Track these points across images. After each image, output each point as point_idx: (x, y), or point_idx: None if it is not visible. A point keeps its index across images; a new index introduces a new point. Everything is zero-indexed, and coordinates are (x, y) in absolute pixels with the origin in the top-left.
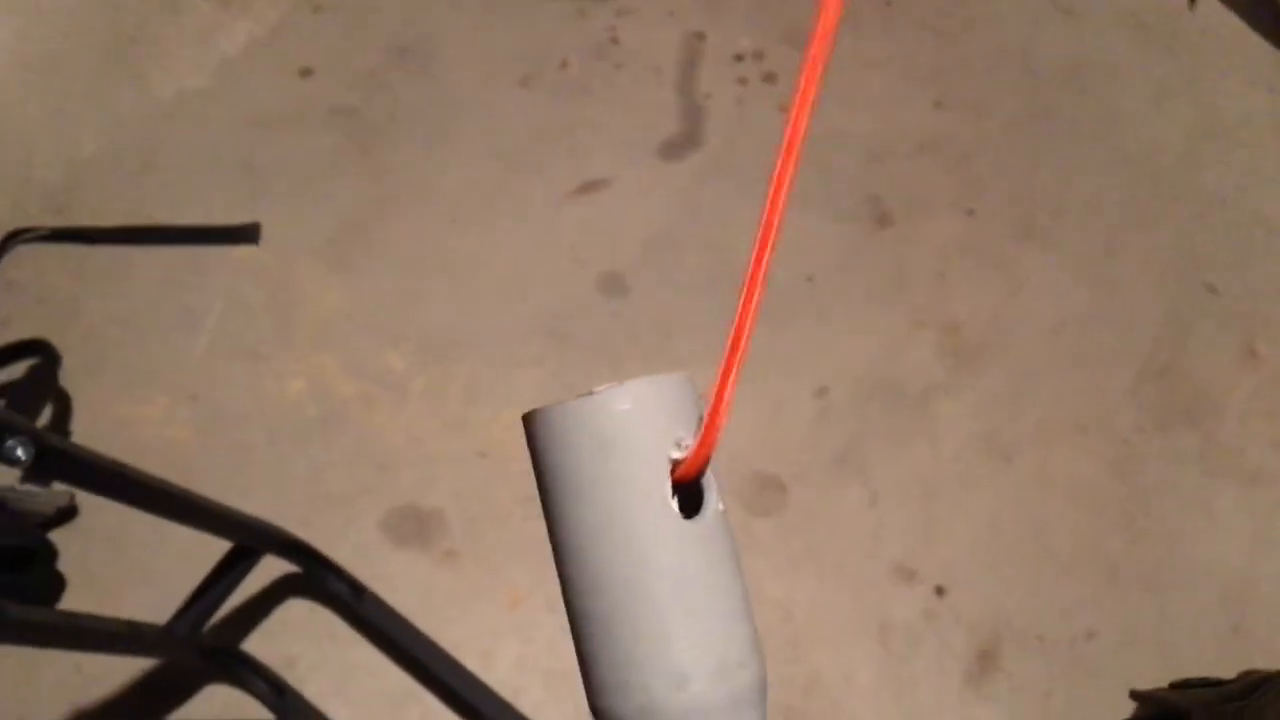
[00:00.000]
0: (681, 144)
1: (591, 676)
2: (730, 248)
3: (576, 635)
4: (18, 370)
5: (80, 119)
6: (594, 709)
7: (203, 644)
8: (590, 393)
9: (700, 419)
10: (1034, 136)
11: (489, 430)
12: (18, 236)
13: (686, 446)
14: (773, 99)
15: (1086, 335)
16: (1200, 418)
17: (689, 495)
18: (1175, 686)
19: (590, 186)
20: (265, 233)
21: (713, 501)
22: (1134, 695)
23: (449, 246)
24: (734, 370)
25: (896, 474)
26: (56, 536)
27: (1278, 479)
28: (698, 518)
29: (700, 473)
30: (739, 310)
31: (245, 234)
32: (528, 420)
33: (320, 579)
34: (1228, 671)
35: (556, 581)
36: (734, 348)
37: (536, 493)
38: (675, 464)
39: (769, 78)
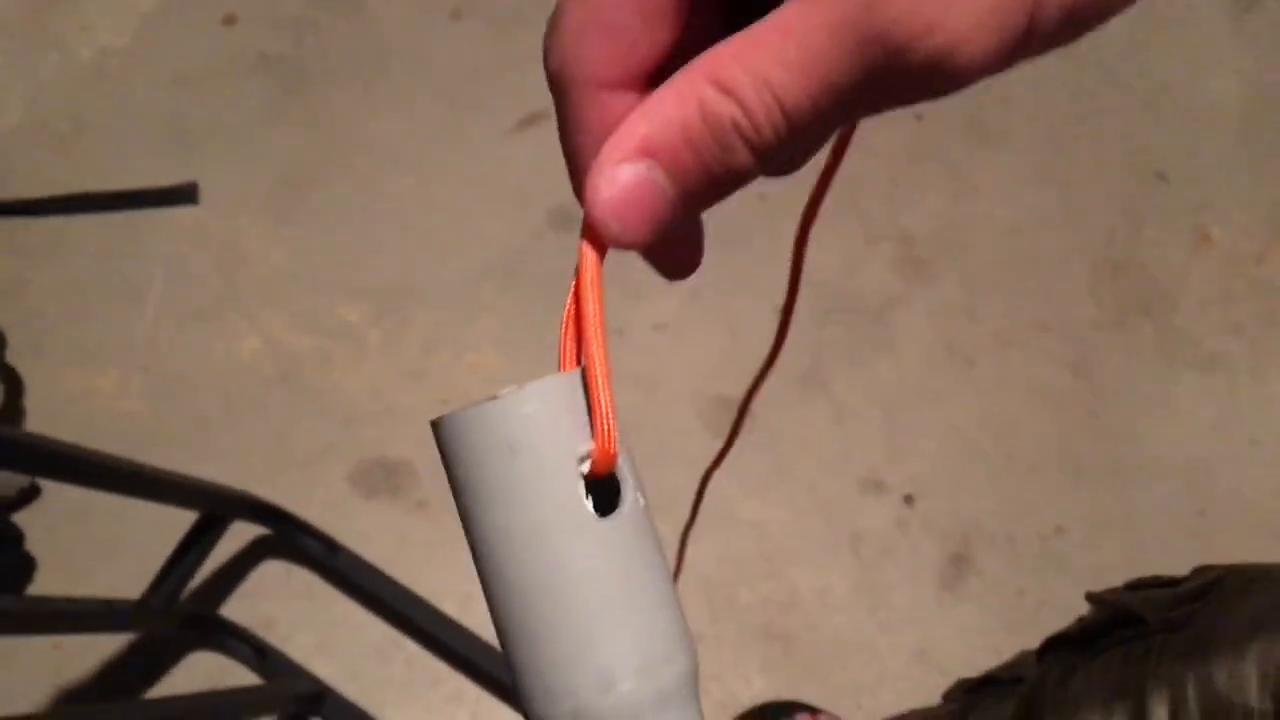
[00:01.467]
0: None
1: (521, 686)
2: None
3: (503, 645)
4: None
5: (2, 87)
6: (528, 716)
7: (180, 614)
8: (493, 397)
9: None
10: None
11: (450, 376)
12: None
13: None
14: None
15: (1041, 235)
16: (1156, 308)
17: (606, 491)
18: (1130, 587)
19: (533, 119)
20: (203, 192)
21: (630, 496)
22: (1089, 597)
23: (393, 192)
24: (604, 363)
25: (860, 388)
26: (21, 519)
27: (1234, 363)
28: (615, 514)
29: (609, 468)
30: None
31: (183, 194)
32: (434, 427)
33: (292, 539)
34: (1195, 558)
35: None
36: (586, 341)
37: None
38: (587, 462)
39: None
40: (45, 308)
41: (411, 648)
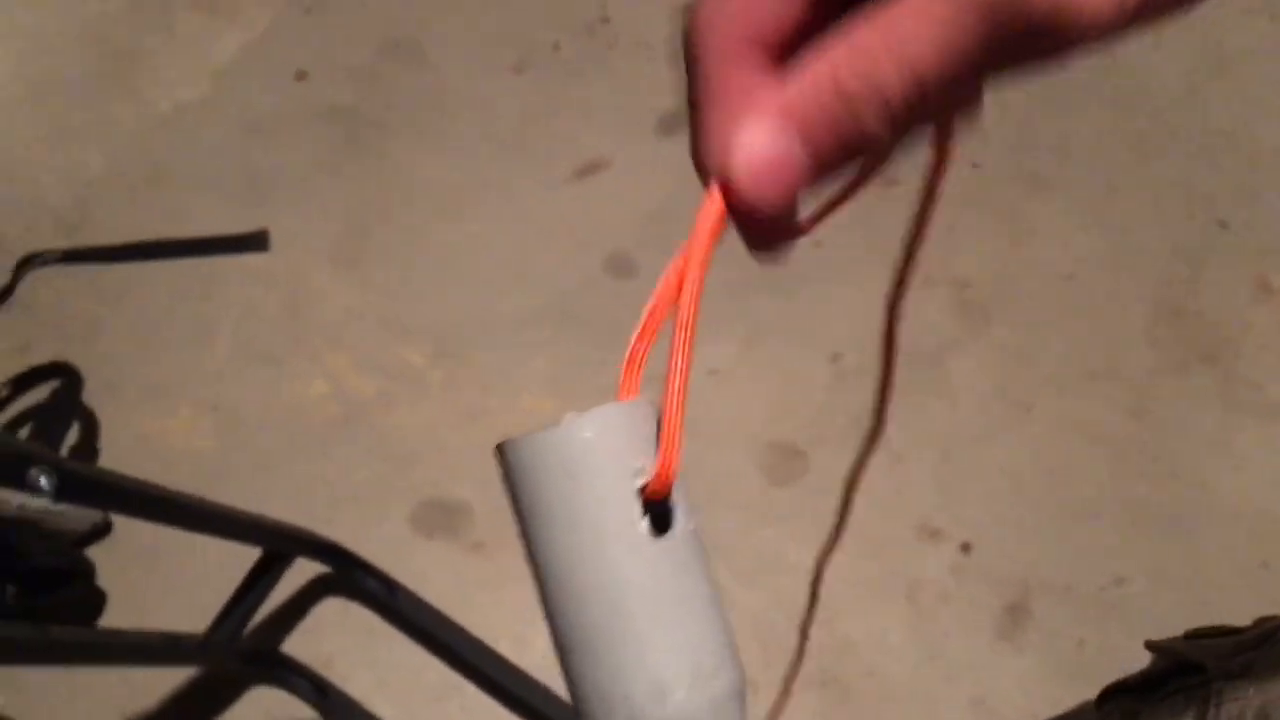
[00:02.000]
0: (679, 119)
1: (579, 698)
2: None
3: (561, 660)
4: (42, 393)
5: (83, 139)
6: None
7: (242, 649)
8: (556, 424)
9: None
10: (1039, 89)
11: (507, 417)
12: (32, 261)
13: (652, 468)
14: None
15: (1097, 281)
16: (1217, 355)
17: (660, 514)
18: (1190, 636)
19: (590, 168)
20: (273, 238)
21: (681, 520)
22: (1149, 646)
23: (455, 236)
24: (681, 391)
25: (915, 433)
26: (93, 553)
27: None
28: (668, 535)
29: (665, 493)
30: (674, 339)
31: (254, 242)
32: (499, 452)
33: (352, 577)
34: (1258, 610)
35: None
36: (675, 371)
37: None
38: (643, 486)
39: None
40: (120, 350)
41: (468, 689)
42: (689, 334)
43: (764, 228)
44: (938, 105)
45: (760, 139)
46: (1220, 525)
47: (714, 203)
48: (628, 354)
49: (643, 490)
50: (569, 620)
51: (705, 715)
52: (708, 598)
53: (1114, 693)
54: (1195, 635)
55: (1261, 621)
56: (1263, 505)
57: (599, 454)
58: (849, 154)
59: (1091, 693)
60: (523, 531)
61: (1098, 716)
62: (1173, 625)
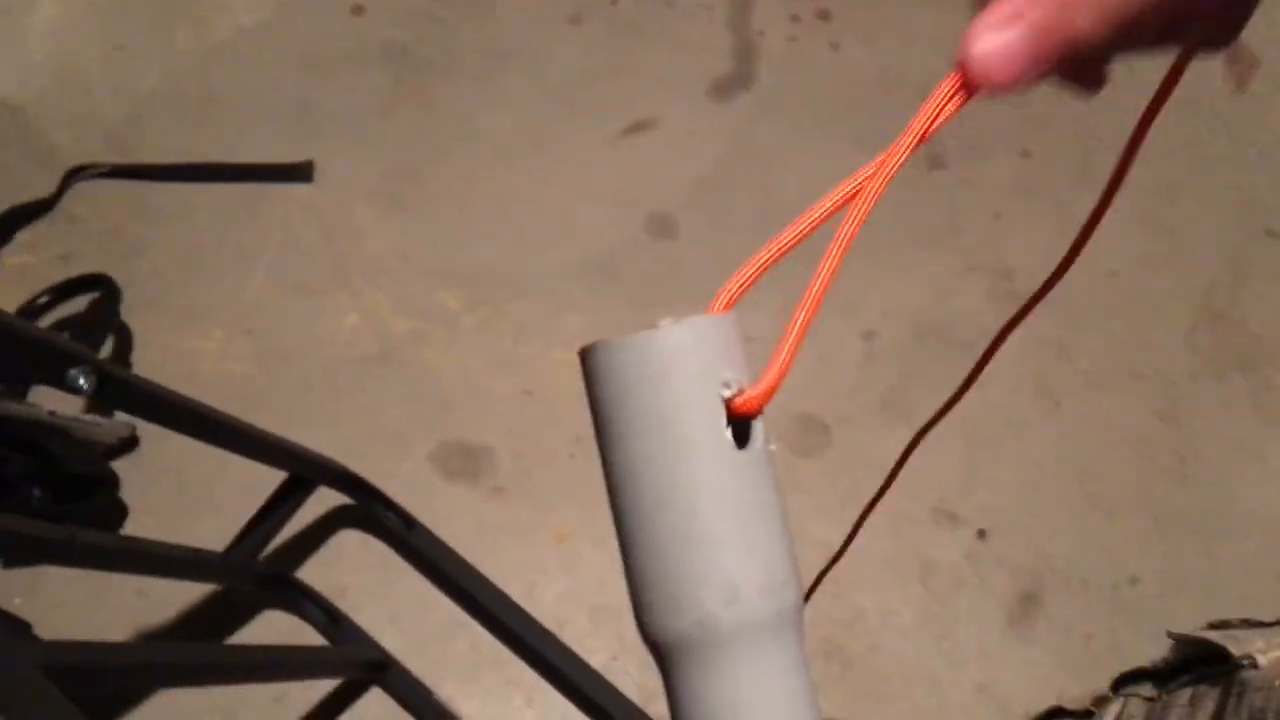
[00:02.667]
0: (732, 83)
1: (644, 600)
2: (780, 188)
3: (630, 561)
4: (80, 304)
5: (140, 57)
6: (646, 632)
7: (259, 571)
8: (653, 326)
9: (745, 360)
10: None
11: (538, 368)
12: (80, 173)
13: (736, 383)
14: (826, 36)
15: (1142, 280)
16: (1255, 364)
17: (739, 430)
18: (1214, 626)
19: (640, 126)
20: (319, 171)
21: (760, 437)
22: (1171, 635)
23: (500, 185)
24: (809, 318)
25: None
26: (119, 466)
27: None
28: (749, 448)
29: (758, 410)
30: (819, 271)
31: (299, 172)
32: (587, 353)
33: (372, 511)
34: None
35: (602, 520)
36: (811, 300)
37: (584, 432)
38: (727, 399)
39: (823, 14)
40: (160, 268)
41: (476, 629)
42: (854, 229)
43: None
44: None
45: (991, 33)
46: (1240, 532)
47: (952, 81)
48: (749, 267)
49: (729, 402)
50: (646, 520)
51: (771, 623)
52: (780, 514)
53: (1130, 679)
54: (1218, 626)
55: None
56: None
57: (692, 360)
58: (1067, 50)
59: (1096, 687)
60: (604, 432)
61: (1116, 703)
62: (1183, 627)
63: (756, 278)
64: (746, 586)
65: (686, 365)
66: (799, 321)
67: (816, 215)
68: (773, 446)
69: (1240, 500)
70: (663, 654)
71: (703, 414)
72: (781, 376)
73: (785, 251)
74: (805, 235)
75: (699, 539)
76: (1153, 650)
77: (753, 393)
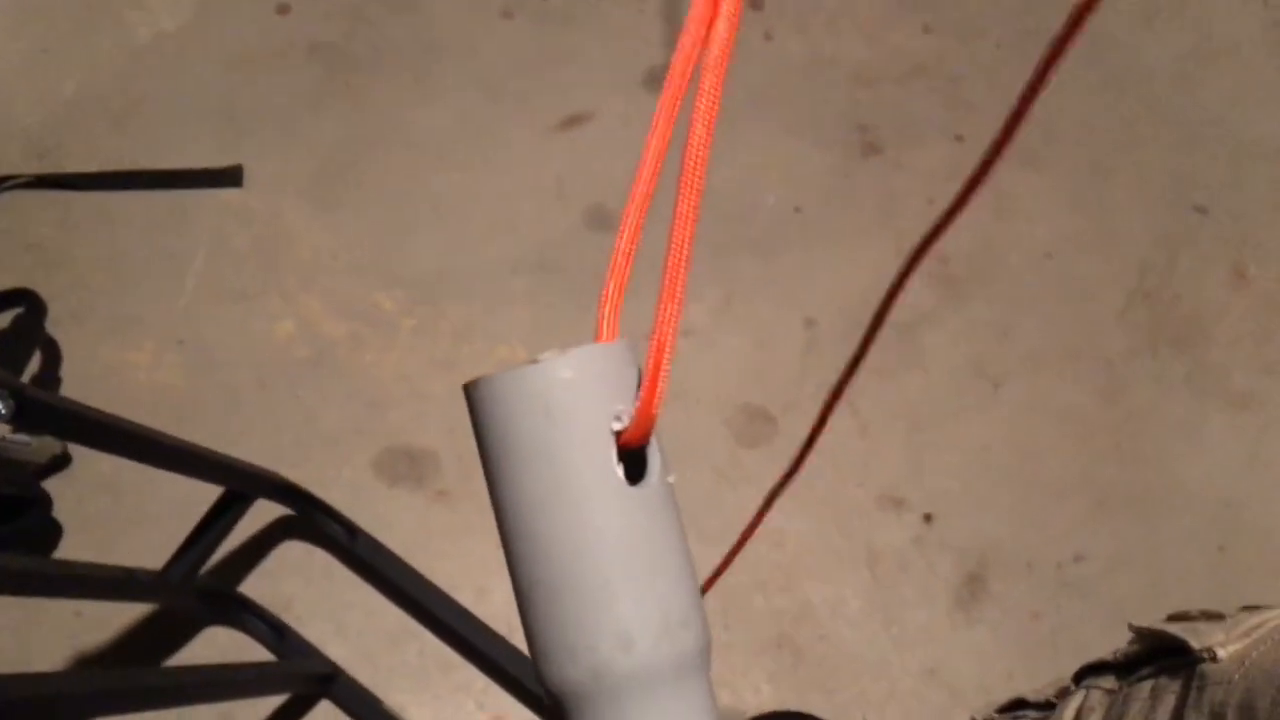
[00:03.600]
0: (667, 74)
1: (539, 646)
2: (716, 177)
3: (523, 607)
4: (3, 320)
5: (60, 63)
6: (544, 681)
7: (200, 587)
8: (534, 360)
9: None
10: (1024, 59)
11: (479, 368)
12: (1, 184)
13: (628, 415)
14: (759, 26)
15: (1076, 261)
16: (1189, 341)
17: (634, 463)
18: (1174, 618)
19: (575, 119)
20: (249, 174)
21: (656, 469)
22: (1132, 628)
23: (435, 183)
24: (667, 345)
25: (885, 404)
26: (51, 485)
27: (1266, 402)
28: (641, 484)
29: (643, 440)
30: (666, 267)
31: (228, 177)
32: (470, 389)
33: (314, 521)
34: (1215, 593)
35: None
36: (665, 320)
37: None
38: (619, 432)
39: (755, 4)
40: (88, 279)
41: (425, 635)
42: (687, 234)
43: None
44: None
45: None
46: (1181, 509)
47: None
48: (606, 286)
49: (619, 436)
50: (535, 565)
51: (669, 668)
52: (679, 551)
53: (1091, 671)
54: (1178, 617)
55: (1249, 610)
56: (1223, 491)
57: (578, 395)
58: None
59: (1044, 668)
60: (490, 472)
61: (1076, 695)
62: (1129, 605)
63: (620, 294)
64: (641, 634)
65: (571, 400)
66: (659, 334)
67: (638, 195)
68: (672, 478)
69: (1178, 478)
70: (561, 702)
71: (590, 451)
72: (652, 396)
73: (628, 254)
74: (638, 224)
75: (590, 585)
76: (1099, 627)
77: (630, 421)
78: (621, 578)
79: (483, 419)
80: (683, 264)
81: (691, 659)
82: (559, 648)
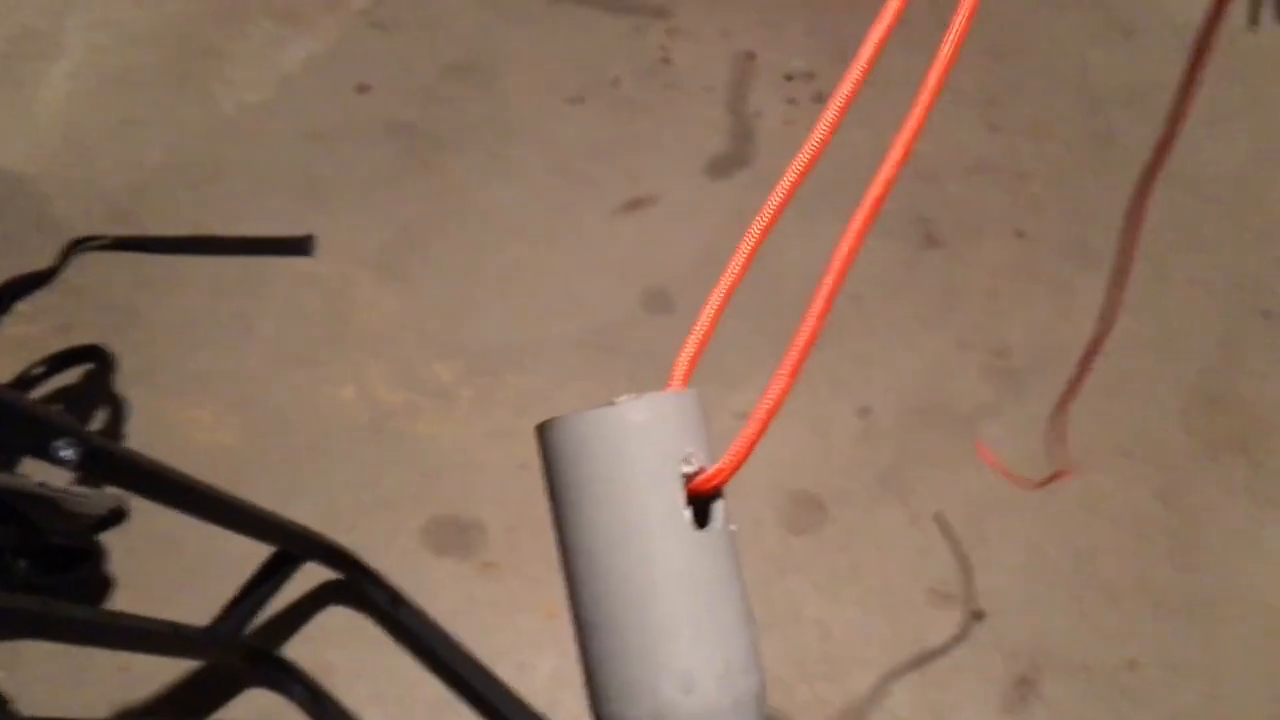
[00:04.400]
0: (730, 162)
1: (598, 683)
2: (776, 267)
3: (584, 643)
4: (75, 375)
5: (147, 130)
6: (600, 718)
7: (243, 647)
8: (609, 403)
9: (708, 437)
10: (1089, 158)
11: (532, 442)
12: (82, 244)
13: (697, 461)
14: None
15: (1137, 360)
16: (1251, 446)
17: (698, 509)
18: None
19: (640, 203)
20: (322, 243)
21: (720, 516)
22: None
23: (501, 258)
24: (778, 404)
25: (940, 497)
26: (107, 539)
27: None
28: (708, 529)
29: (716, 490)
30: (791, 354)
31: (300, 246)
32: (545, 428)
33: (361, 587)
34: (1276, 706)
35: None
36: (782, 385)
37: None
38: (686, 477)
39: (818, 98)
40: (158, 339)
41: (465, 711)
42: (823, 308)
43: None
44: None
45: None
46: (1240, 619)
47: None
48: (689, 338)
49: (688, 480)
50: (600, 603)
51: (729, 713)
52: (740, 597)
53: None
54: None
55: None
56: None
57: (650, 437)
58: None
59: None
60: (558, 510)
61: None
62: (1184, 715)
63: (703, 347)
64: (703, 675)
65: (644, 442)
66: (769, 400)
67: (743, 254)
68: (733, 527)
69: (1237, 585)
70: None
71: (660, 493)
72: (744, 455)
73: (717, 314)
74: (739, 277)
75: (654, 625)
76: None
77: (713, 470)
78: (685, 619)
79: (555, 458)
80: (815, 333)
81: (749, 705)
82: (619, 685)
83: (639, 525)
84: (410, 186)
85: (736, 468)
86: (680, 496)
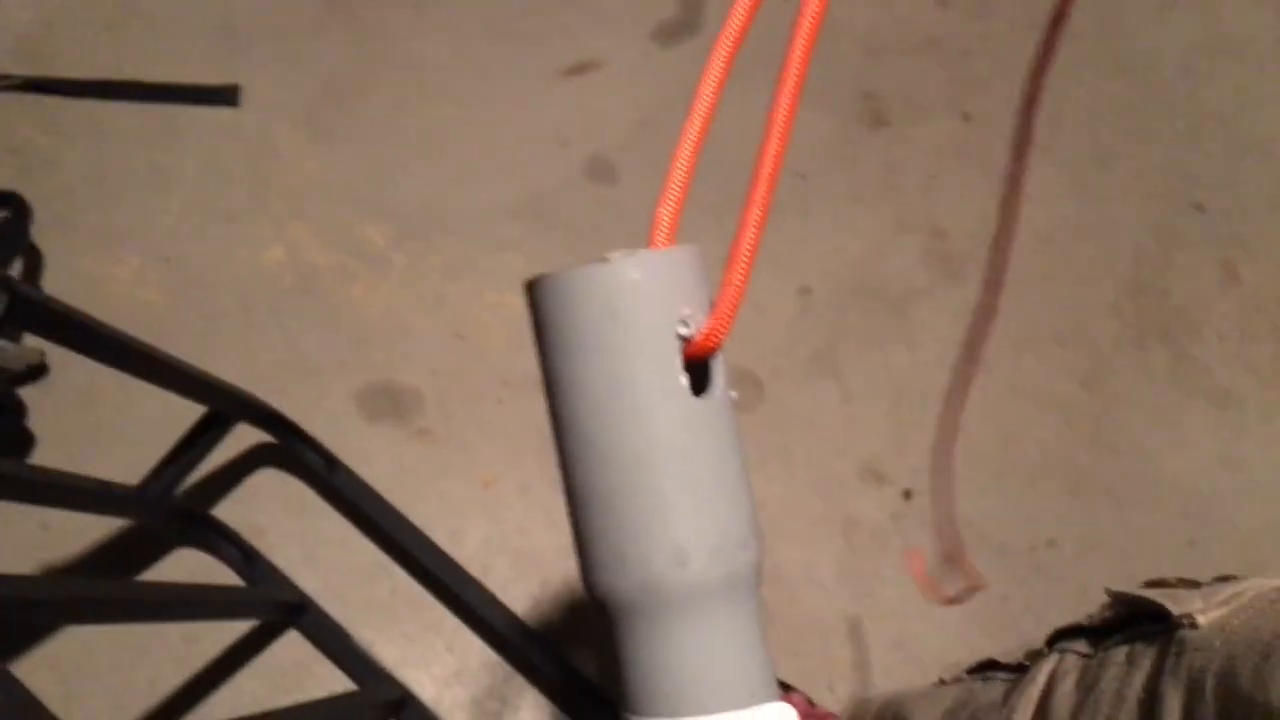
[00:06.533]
0: (678, 28)
1: (589, 553)
2: (722, 137)
3: (575, 511)
4: None
5: None
6: (590, 586)
7: (173, 507)
8: (602, 259)
9: (710, 297)
10: (1035, 41)
11: (468, 310)
12: None
13: (695, 323)
14: None
15: (1071, 247)
16: (1176, 335)
17: (697, 373)
18: (1151, 585)
19: (581, 67)
20: (244, 94)
21: (720, 382)
22: (1109, 592)
23: (433, 119)
24: (753, 249)
25: (872, 376)
26: (26, 394)
27: (1245, 400)
28: (706, 395)
29: (713, 351)
30: (752, 191)
31: (224, 95)
32: (533, 286)
33: (293, 449)
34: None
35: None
36: (752, 224)
37: (513, 376)
38: (684, 339)
39: None
40: (75, 188)
41: (397, 572)
42: (778, 149)
43: None
44: None
45: None
46: (1155, 500)
47: None
48: (666, 189)
49: (685, 344)
50: (592, 471)
51: (721, 587)
52: (739, 468)
53: (1065, 635)
54: (1155, 584)
55: (1225, 579)
56: (1198, 485)
57: (645, 298)
58: None
59: (1011, 646)
60: (549, 374)
61: (1050, 659)
62: (1097, 590)
63: (682, 199)
64: (696, 550)
65: (638, 303)
66: (747, 233)
67: (707, 95)
68: (734, 394)
69: (1154, 468)
70: (608, 611)
71: (655, 356)
72: (734, 307)
73: (693, 156)
74: (706, 124)
75: (648, 496)
76: (1067, 610)
77: (706, 328)
78: (681, 491)
79: (544, 318)
80: (773, 179)
81: (744, 579)
82: (611, 557)
83: (633, 390)
84: (338, 36)
85: (728, 324)
86: (677, 361)
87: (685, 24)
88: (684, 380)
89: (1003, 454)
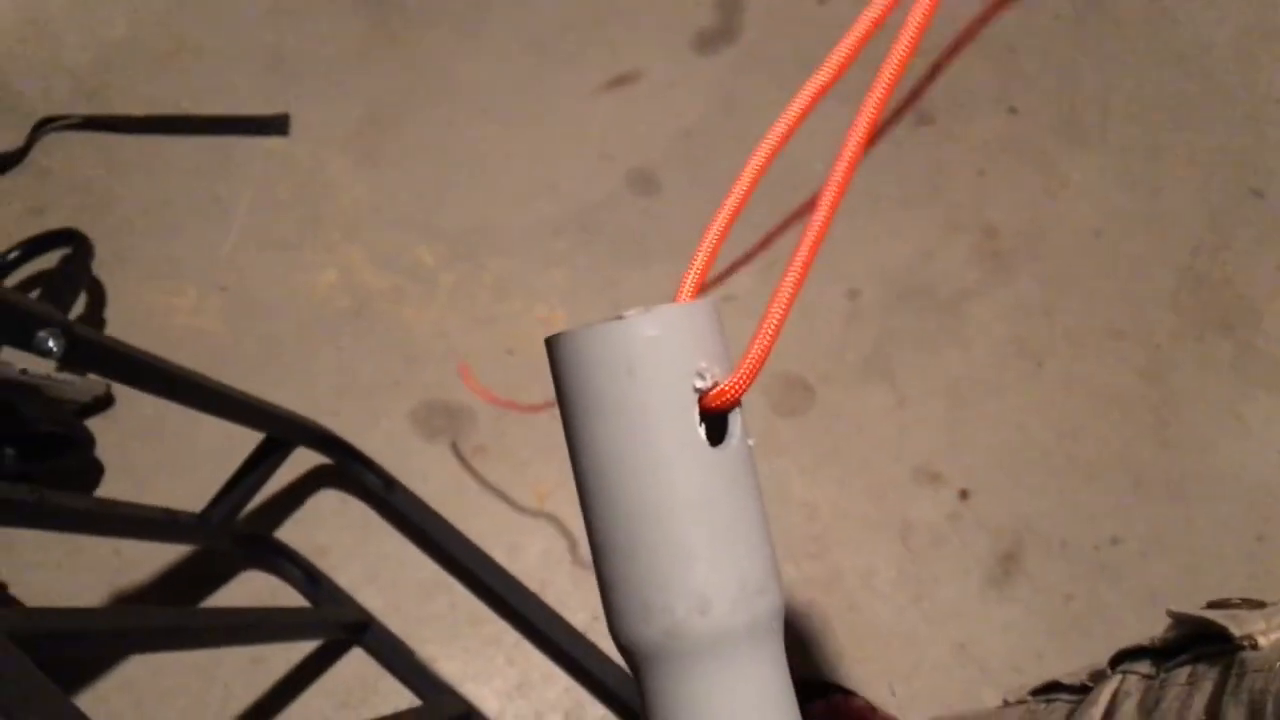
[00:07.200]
0: (716, 37)
1: (614, 604)
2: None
3: (600, 563)
4: (51, 259)
5: (108, 4)
6: (616, 636)
7: (237, 532)
8: (618, 317)
9: (724, 348)
10: (1082, 31)
11: (517, 326)
12: (49, 124)
13: (712, 375)
14: None
15: (1126, 239)
16: (1237, 325)
17: (714, 424)
18: (1214, 605)
19: (622, 79)
20: (293, 122)
21: (737, 432)
22: (1171, 614)
23: (478, 138)
24: (784, 315)
25: (925, 377)
26: (93, 425)
27: None
28: (722, 445)
29: (730, 404)
30: (794, 260)
31: (274, 125)
32: (552, 344)
33: (352, 470)
34: (1252, 582)
35: None
36: (783, 298)
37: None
38: (701, 392)
39: None
40: (134, 221)
41: (457, 588)
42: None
43: None
44: None
45: None
46: (1220, 495)
47: None
48: (699, 247)
49: (702, 397)
50: (613, 523)
51: (744, 633)
52: (757, 515)
53: (1127, 656)
54: (1218, 604)
55: None
56: (1264, 478)
57: (662, 353)
58: None
59: (1075, 648)
60: (570, 428)
61: (1113, 680)
62: (1164, 589)
63: (712, 259)
64: (718, 597)
65: (654, 358)
66: (781, 303)
67: (756, 164)
68: (751, 441)
69: (1218, 463)
70: (634, 657)
71: (673, 410)
72: (757, 368)
73: (734, 216)
74: (750, 191)
75: (668, 546)
76: (1131, 611)
77: (727, 384)
78: (700, 540)
79: (564, 374)
80: (818, 242)
81: (765, 625)
82: (635, 605)
83: (651, 444)
84: (383, 62)
85: (750, 381)
86: (693, 413)
87: (723, 32)
88: (701, 432)
89: (1060, 450)
